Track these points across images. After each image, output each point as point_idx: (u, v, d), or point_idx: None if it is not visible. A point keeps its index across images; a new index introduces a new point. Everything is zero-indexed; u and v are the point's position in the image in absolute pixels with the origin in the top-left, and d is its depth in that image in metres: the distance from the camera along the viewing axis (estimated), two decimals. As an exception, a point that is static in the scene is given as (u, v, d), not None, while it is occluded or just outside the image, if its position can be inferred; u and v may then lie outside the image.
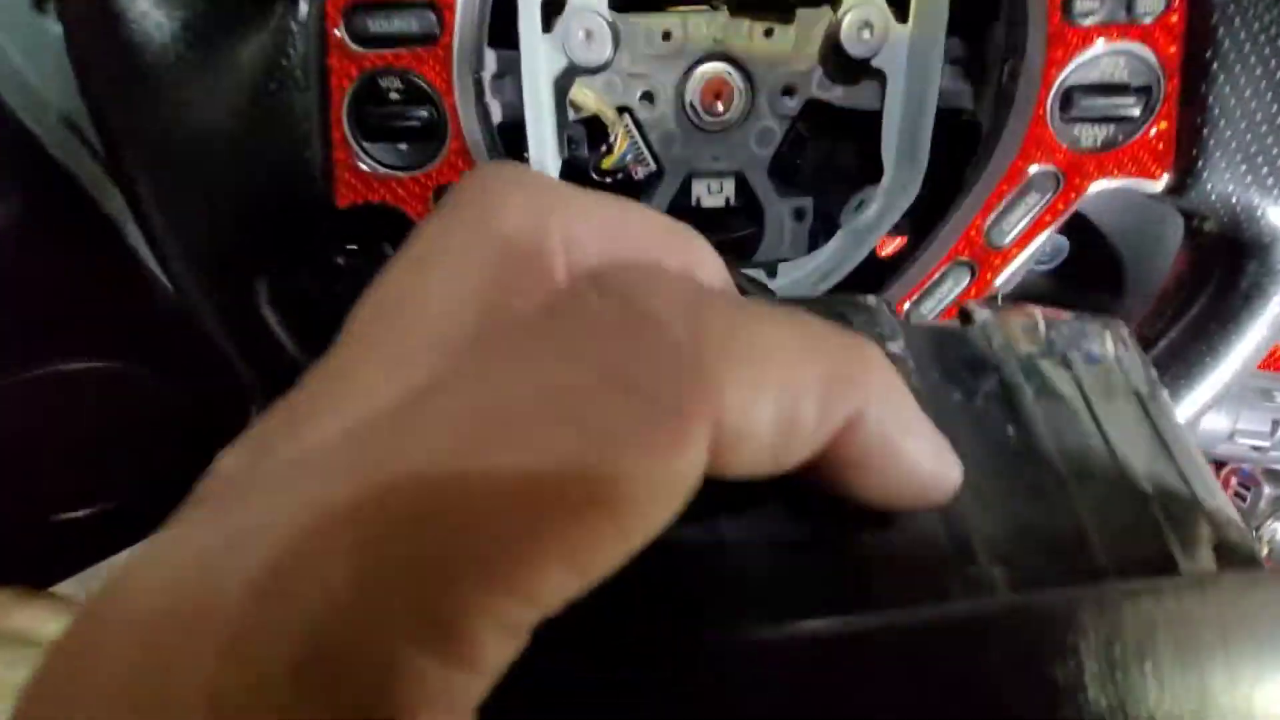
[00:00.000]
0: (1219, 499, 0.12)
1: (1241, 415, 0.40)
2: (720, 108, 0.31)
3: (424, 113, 0.22)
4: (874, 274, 0.29)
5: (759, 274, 0.32)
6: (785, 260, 0.33)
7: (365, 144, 0.22)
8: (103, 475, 0.67)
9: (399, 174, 0.22)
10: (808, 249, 0.33)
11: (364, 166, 0.22)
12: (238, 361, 0.25)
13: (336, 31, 0.21)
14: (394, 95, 0.22)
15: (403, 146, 0.22)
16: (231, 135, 0.21)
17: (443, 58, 0.21)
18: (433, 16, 0.21)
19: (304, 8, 0.21)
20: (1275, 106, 0.20)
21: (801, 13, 0.30)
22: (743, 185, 0.33)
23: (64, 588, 0.65)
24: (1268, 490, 0.50)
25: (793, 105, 0.32)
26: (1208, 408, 0.25)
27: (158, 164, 0.21)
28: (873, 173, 0.30)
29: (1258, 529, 0.50)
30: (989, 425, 0.11)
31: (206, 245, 0.22)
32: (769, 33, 0.31)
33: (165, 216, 0.22)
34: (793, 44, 0.31)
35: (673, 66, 0.31)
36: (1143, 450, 0.12)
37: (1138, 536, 0.10)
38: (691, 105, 0.32)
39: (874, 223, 0.30)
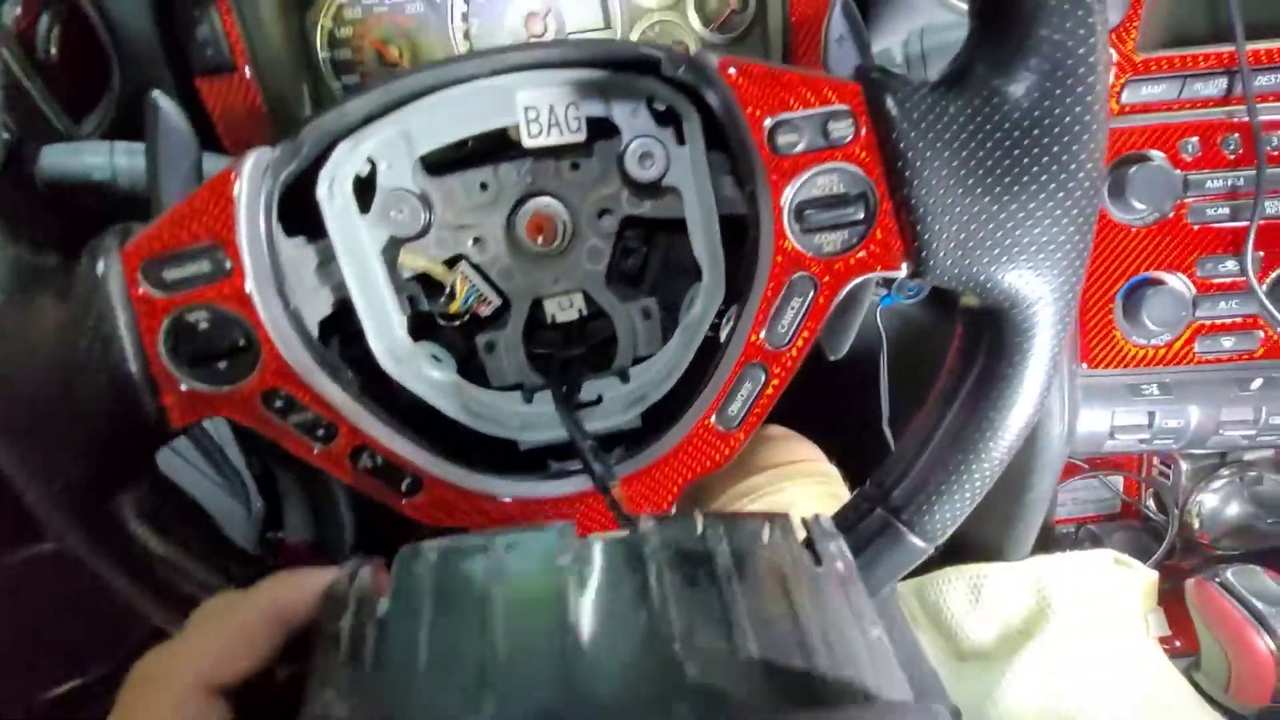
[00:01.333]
0: (833, 649, 0.14)
1: (1116, 413, 0.41)
2: (548, 237, 0.34)
3: (234, 334, 0.24)
4: (712, 360, 0.30)
5: (612, 379, 0.34)
6: (643, 359, 0.35)
7: (188, 370, 0.24)
8: (91, 647, 0.69)
9: (224, 389, 0.25)
10: (663, 339, 0.35)
11: (191, 389, 0.24)
12: (119, 581, 0.27)
13: (138, 285, 0.23)
14: (203, 326, 0.24)
15: (222, 365, 0.25)
16: (58, 385, 0.23)
17: (239, 285, 0.24)
18: (220, 254, 0.23)
19: (103, 266, 0.23)
20: (965, 195, 0.22)
21: (598, 145, 0.33)
22: (588, 298, 0.36)
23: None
24: (1185, 466, 0.51)
25: (611, 224, 0.34)
26: (1015, 447, 0.26)
27: (27, 447, 0.23)
28: (695, 269, 0.32)
29: (1185, 502, 0.51)
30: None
31: (60, 485, 0.24)
32: (575, 166, 0.33)
33: (19, 469, 0.24)
34: (597, 173, 0.33)
35: (496, 211, 0.34)
36: (781, 627, 0.14)
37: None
38: (521, 239, 0.34)
39: (700, 318, 0.32)
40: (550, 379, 0.34)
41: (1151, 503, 0.54)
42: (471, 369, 0.35)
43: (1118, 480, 0.55)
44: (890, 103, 0.22)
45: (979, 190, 0.23)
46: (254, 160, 0.24)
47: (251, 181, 0.24)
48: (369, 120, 0.28)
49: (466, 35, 0.47)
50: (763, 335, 0.25)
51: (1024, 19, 0.21)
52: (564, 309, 0.36)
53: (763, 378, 0.26)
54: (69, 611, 0.65)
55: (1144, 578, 0.45)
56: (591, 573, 0.15)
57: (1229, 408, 0.40)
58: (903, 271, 0.24)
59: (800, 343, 0.26)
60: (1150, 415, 0.41)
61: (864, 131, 0.23)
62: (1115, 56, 0.39)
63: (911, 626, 0.49)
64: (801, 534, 0.17)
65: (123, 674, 0.60)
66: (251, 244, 0.24)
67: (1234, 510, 0.49)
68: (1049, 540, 0.53)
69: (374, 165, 0.30)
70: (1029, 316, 0.24)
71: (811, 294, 0.25)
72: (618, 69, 0.28)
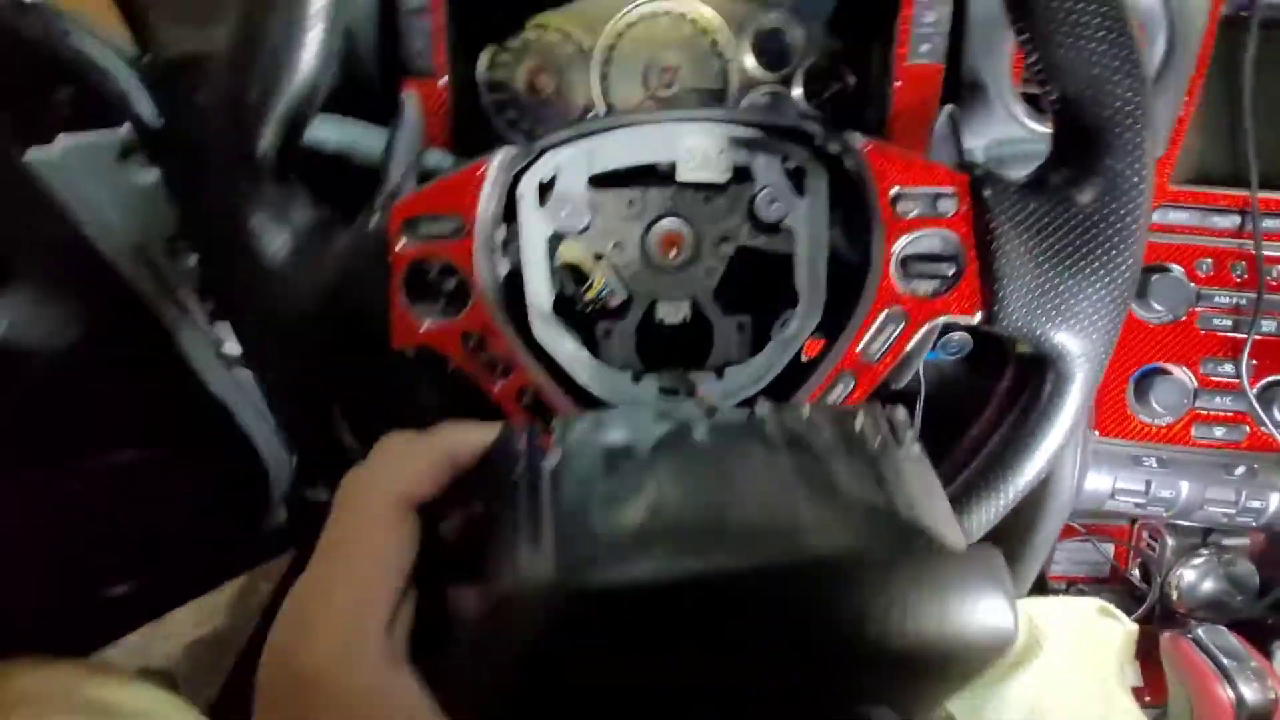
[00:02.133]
0: (914, 509, 0.20)
1: (1119, 476, 0.48)
2: (674, 253, 0.41)
3: (453, 283, 0.31)
4: (796, 373, 0.37)
5: (709, 374, 0.41)
6: (731, 364, 0.42)
7: (415, 305, 0.31)
8: (139, 552, 0.74)
9: (437, 321, 0.31)
10: (750, 354, 0.42)
11: (412, 319, 0.31)
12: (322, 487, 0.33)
13: (400, 236, 0.30)
14: (431, 271, 0.31)
15: (440, 301, 0.31)
16: (323, 305, 0.30)
17: (467, 246, 0.31)
18: (461, 222, 0.31)
19: (377, 220, 0.30)
20: (1035, 269, 0.30)
21: (732, 185, 0.40)
22: (696, 306, 0.43)
23: (109, 654, 0.70)
24: (1171, 542, 0.58)
25: (729, 250, 0.41)
26: (1044, 472, 0.33)
27: (271, 334, 0.30)
28: (793, 298, 0.40)
29: (1167, 574, 0.57)
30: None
31: (300, 387, 0.31)
32: (708, 199, 0.41)
33: (276, 371, 0.31)
34: (726, 208, 0.41)
35: (637, 224, 0.41)
36: (857, 482, 0.20)
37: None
38: (652, 251, 0.41)
39: (793, 337, 0.39)
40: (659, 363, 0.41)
41: (1137, 572, 0.60)
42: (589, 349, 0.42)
43: (1109, 547, 0.61)
44: (988, 193, 0.30)
45: (1046, 268, 0.30)
46: (500, 158, 0.32)
47: (496, 173, 0.31)
48: (569, 141, 0.36)
49: (604, 79, 0.55)
50: (859, 349, 0.32)
51: (1095, 151, 0.29)
52: (673, 313, 0.43)
53: (852, 384, 0.33)
54: (138, 519, 0.71)
55: (1126, 629, 0.51)
56: (728, 438, 0.21)
57: (1214, 488, 0.47)
58: (976, 319, 0.31)
59: (887, 360, 0.33)
60: (1147, 483, 0.48)
61: (964, 209, 0.30)
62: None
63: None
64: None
65: (184, 570, 0.67)
66: (483, 219, 0.31)
67: (1209, 585, 0.54)
68: (1043, 591, 0.59)
69: (556, 174, 0.38)
70: (1070, 368, 0.31)
71: (903, 325, 0.32)
72: (772, 131, 0.36)
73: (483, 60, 0.54)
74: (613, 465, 0.20)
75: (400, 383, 0.32)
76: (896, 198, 0.31)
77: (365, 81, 0.36)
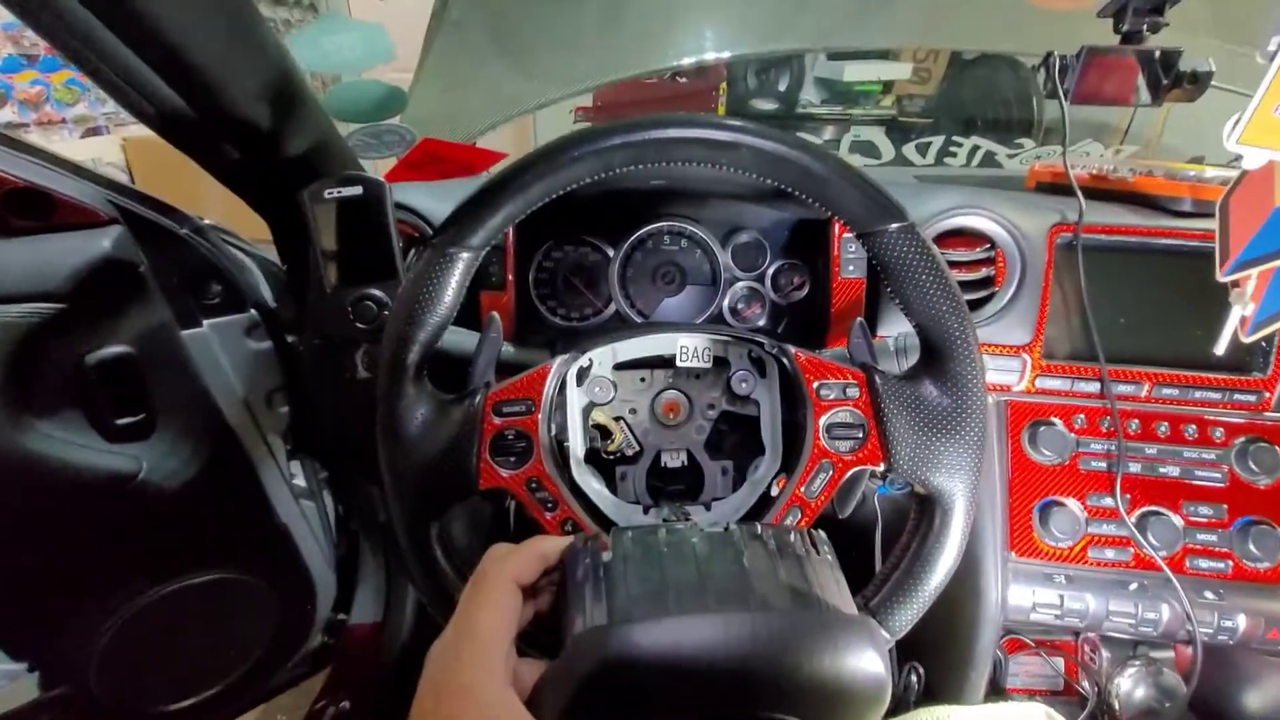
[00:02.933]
0: (823, 591, 0.33)
1: (1036, 591, 0.59)
2: (673, 415, 0.57)
3: (523, 443, 0.46)
4: (763, 505, 0.51)
5: (700, 507, 0.54)
6: (718, 499, 0.55)
7: (495, 458, 0.46)
8: (201, 668, 0.83)
9: (511, 471, 0.46)
10: (732, 491, 0.56)
11: (493, 468, 0.45)
12: (415, 572, 0.46)
13: (491, 414, 0.46)
14: (509, 436, 0.46)
15: (513, 458, 0.46)
16: (436, 462, 0.45)
17: (535, 419, 0.46)
18: (532, 403, 0.46)
19: (478, 401, 0.46)
20: (914, 435, 0.44)
21: (713, 370, 0.56)
22: (691, 455, 0.57)
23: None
24: (1106, 654, 0.67)
25: (714, 413, 0.57)
26: (944, 580, 0.45)
27: (401, 478, 0.45)
28: (760, 449, 0.54)
29: (1107, 683, 0.66)
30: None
31: (410, 507, 0.45)
32: (698, 377, 0.57)
33: (396, 497, 0.45)
34: (710, 384, 0.57)
35: (647, 395, 0.57)
36: (793, 572, 0.33)
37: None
38: (658, 413, 0.57)
39: (762, 478, 0.53)
40: (663, 499, 0.55)
41: (1086, 684, 0.69)
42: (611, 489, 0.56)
43: (1059, 661, 0.70)
44: (879, 382, 0.45)
45: (920, 433, 0.44)
46: (557, 362, 0.48)
47: (554, 371, 0.47)
48: (602, 344, 0.52)
49: (622, 278, 0.74)
50: (802, 490, 0.46)
51: (941, 357, 0.44)
52: (673, 460, 0.57)
53: (799, 514, 0.47)
54: (202, 635, 0.81)
55: (1067, 733, 0.59)
56: (711, 545, 0.34)
57: (1115, 600, 0.58)
58: (881, 468, 0.46)
59: (822, 497, 0.46)
60: (1060, 597, 0.59)
61: (864, 394, 0.46)
62: (1029, 359, 0.63)
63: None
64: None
65: (238, 690, 0.80)
66: (545, 401, 0.47)
67: (1141, 693, 0.63)
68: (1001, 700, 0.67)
69: (591, 362, 0.54)
70: (950, 502, 0.44)
71: (831, 473, 0.46)
72: (738, 339, 0.52)
73: (533, 266, 0.73)
74: (642, 560, 0.33)
75: (483, 511, 0.46)
76: (819, 387, 0.46)
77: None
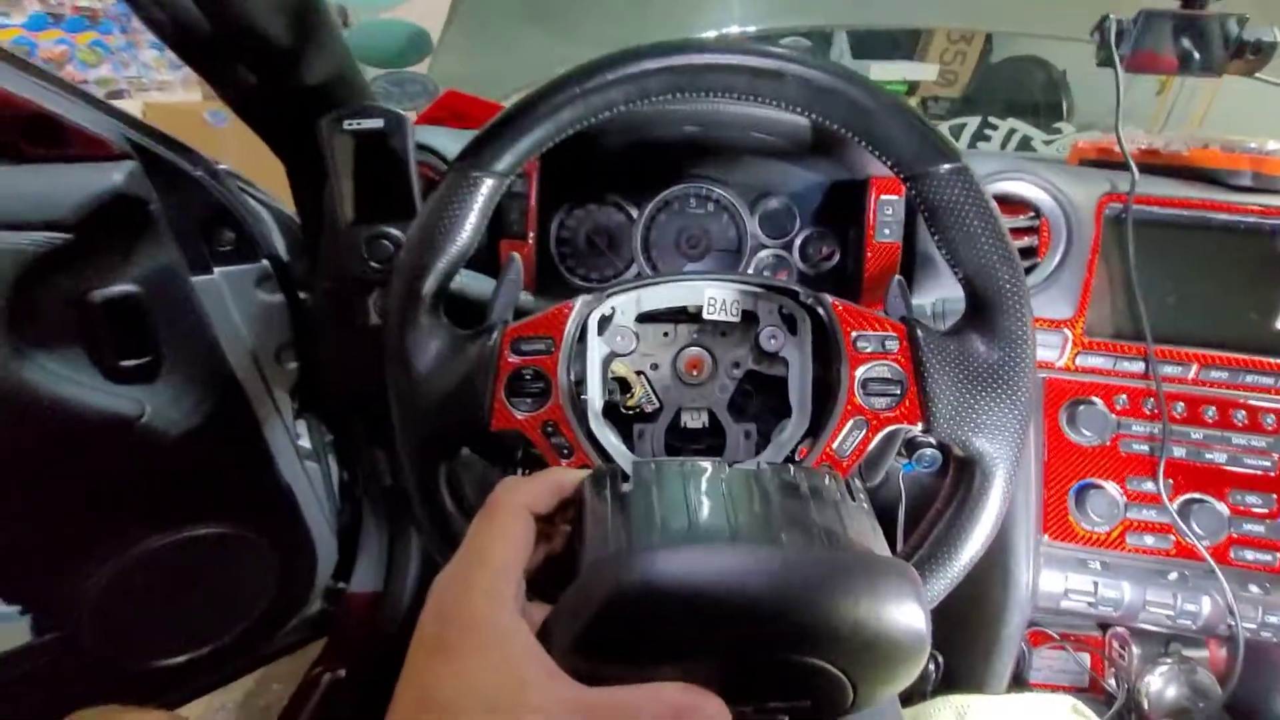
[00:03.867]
0: (858, 535, 0.30)
1: (1069, 577, 0.56)
2: (696, 373, 0.54)
3: (540, 384, 0.44)
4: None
5: (723, 470, 0.52)
6: (739, 462, 0.53)
7: (510, 399, 0.43)
8: (201, 623, 0.81)
9: (526, 413, 0.43)
10: (755, 455, 0.53)
11: (507, 408, 0.43)
12: (420, 514, 0.44)
13: (508, 351, 0.43)
14: (526, 375, 0.43)
15: (529, 398, 0.44)
16: (449, 398, 0.42)
17: (554, 359, 0.44)
18: (551, 342, 0.44)
19: (496, 336, 0.43)
20: (956, 394, 0.41)
21: (741, 325, 0.54)
22: (712, 416, 0.55)
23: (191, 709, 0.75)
24: (1137, 650, 0.64)
25: (739, 372, 0.54)
26: (980, 549, 0.42)
27: (411, 415, 0.42)
28: (787, 410, 0.51)
29: (1136, 681, 0.63)
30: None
31: (419, 446, 0.42)
32: (724, 334, 0.54)
33: (408, 439, 0.42)
34: (737, 341, 0.54)
35: (669, 350, 0.54)
36: (828, 515, 0.31)
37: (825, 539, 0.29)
38: (680, 370, 0.54)
39: (788, 440, 0.50)
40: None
41: (1114, 681, 0.65)
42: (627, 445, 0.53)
43: (1085, 657, 0.67)
44: (921, 335, 0.43)
45: (963, 392, 0.42)
46: (580, 301, 0.45)
47: (576, 311, 0.45)
48: (627, 289, 0.50)
49: (645, 240, 0.72)
50: (833, 448, 0.43)
51: (989, 312, 0.41)
52: (694, 420, 0.55)
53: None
54: (200, 591, 0.79)
55: (1095, 728, 0.56)
56: (741, 480, 0.32)
57: (1153, 590, 0.55)
58: (918, 428, 0.43)
59: (854, 456, 0.44)
60: (1095, 584, 0.56)
61: (904, 348, 0.43)
62: (1069, 334, 0.60)
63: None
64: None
65: (232, 652, 0.78)
66: (566, 341, 0.44)
67: (1173, 692, 0.60)
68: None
69: (614, 311, 0.51)
70: (990, 466, 0.41)
71: (865, 430, 0.43)
72: (770, 290, 0.50)
73: (555, 224, 0.70)
74: (667, 490, 0.31)
75: (493, 452, 0.44)
76: (856, 338, 0.43)
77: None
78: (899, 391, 0.43)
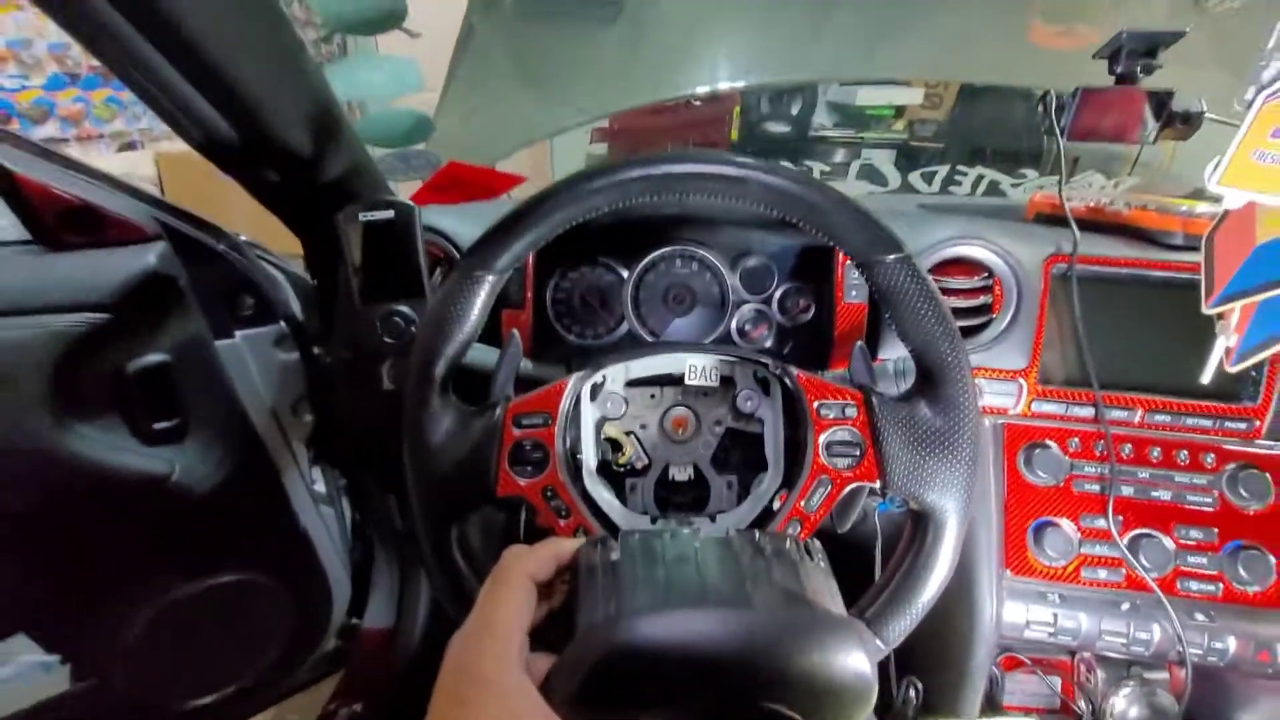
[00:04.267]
0: (816, 594, 0.35)
1: (1030, 609, 0.61)
2: (681, 431, 0.60)
3: (539, 454, 0.49)
4: (765, 518, 0.53)
5: (706, 519, 0.57)
6: (723, 511, 0.58)
7: (513, 468, 0.49)
8: (228, 665, 0.86)
9: (528, 480, 0.49)
10: (736, 504, 0.58)
11: (511, 476, 0.48)
12: (434, 574, 0.49)
13: (511, 426, 0.49)
14: (527, 446, 0.49)
15: (530, 467, 0.49)
16: (458, 468, 0.48)
17: (551, 431, 0.49)
18: (549, 417, 0.49)
19: (499, 413, 0.49)
20: (908, 454, 0.46)
21: (720, 389, 0.59)
22: (697, 469, 0.60)
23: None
24: (1102, 674, 0.68)
25: (720, 429, 0.60)
26: (933, 600, 0.47)
27: (426, 488, 0.48)
28: (764, 464, 0.57)
29: (1102, 703, 0.67)
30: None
31: (433, 511, 0.48)
32: (705, 395, 0.60)
33: (420, 502, 0.48)
34: (717, 402, 0.59)
35: (657, 411, 0.60)
36: (788, 575, 0.36)
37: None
38: (667, 429, 0.60)
39: (765, 491, 0.55)
40: (670, 510, 0.58)
41: (1082, 703, 0.70)
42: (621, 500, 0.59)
43: (1056, 680, 0.71)
44: (876, 402, 0.48)
45: (915, 452, 0.47)
46: (573, 379, 0.51)
47: (571, 386, 0.50)
48: (615, 363, 0.55)
49: (635, 299, 0.77)
50: (802, 505, 0.49)
51: (935, 381, 0.47)
52: (681, 473, 0.60)
53: (799, 527, 0.49)
54: (224, 634, 0.84)
55: (1060, 749, 0.61)
56: (711, 549, 0.37)
57: (1107, 620, 0.60)
58: (877, 485, 0.48)
59: (821, 512, 0.49)
60: (1054, 615, 0.61)
61: (862, 413, 0.48)
62: (1025, 384, 0.65)
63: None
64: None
65: (254, 690, 0.84)
66: (561, 415, 0.50)
67: (1135, 713, 0.64)
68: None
69: (604, 379, 0.57)
70: (943, 518, 0.46)
71: (830, 488, 0.48)
72: (744, 360, 0.55)
73: (550, 287, 0.76)
74: (648, 560, 0.36)
75: (496, 521, 0.49)
76: (819, 406, 0.49)
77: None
78: (858, 453, 0.48)
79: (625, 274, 0.76)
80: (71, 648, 0.74)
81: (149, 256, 0.65)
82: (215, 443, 0.75)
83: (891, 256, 0.46)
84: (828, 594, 0.36)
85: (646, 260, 0.76)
